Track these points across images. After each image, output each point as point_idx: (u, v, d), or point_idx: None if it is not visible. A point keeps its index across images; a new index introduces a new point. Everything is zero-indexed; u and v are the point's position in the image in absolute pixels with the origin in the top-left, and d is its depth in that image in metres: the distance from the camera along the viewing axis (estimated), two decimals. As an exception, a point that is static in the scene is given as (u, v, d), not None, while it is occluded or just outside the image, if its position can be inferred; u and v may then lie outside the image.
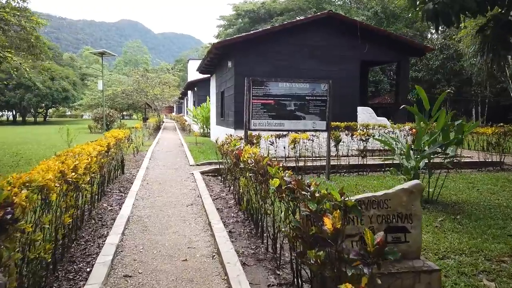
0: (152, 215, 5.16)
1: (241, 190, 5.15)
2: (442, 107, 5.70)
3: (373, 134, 9.25)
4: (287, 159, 9.39)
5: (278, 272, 3.31)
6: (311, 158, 8.98)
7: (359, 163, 8.78)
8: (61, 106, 55.51)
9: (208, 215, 4.96)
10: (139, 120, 38.33)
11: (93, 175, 4.70)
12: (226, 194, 6.53)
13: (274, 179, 2.98)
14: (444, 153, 5.82)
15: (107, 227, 4.64)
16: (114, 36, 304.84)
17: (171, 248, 3.95)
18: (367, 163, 8.82)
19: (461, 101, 29.42)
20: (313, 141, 8.97)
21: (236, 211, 5.42)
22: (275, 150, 9.11)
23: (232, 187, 6.48)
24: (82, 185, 3.91)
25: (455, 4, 3.24)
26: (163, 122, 36.79)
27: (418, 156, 5.72)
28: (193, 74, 24.66)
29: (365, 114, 12.30)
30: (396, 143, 6.52)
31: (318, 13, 12.50)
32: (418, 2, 3.76)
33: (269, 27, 13.65)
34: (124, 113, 48.80)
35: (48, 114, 57.23)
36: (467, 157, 9.96)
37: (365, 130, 10.40)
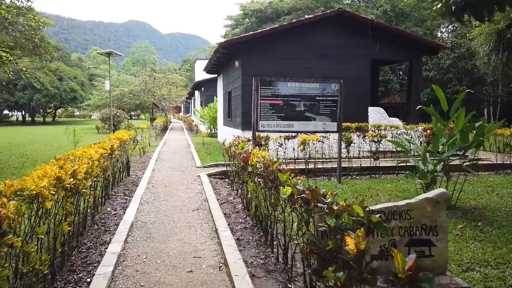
0: (156, 221, 4.96)
1: (249, 195, 4.92)
2: (460, 107, 5.40)
3: (385, 136, 8.95)
4: (296, 161, 9.14)
5: (290, 286, 3.08)
6: (321, 160, 8.70)
7: (371, 165, 8.47)
8: (69, 107, 55.96)
9: (215, 221, 4.74)
10: (146, 121, 38.27)
11: (95, 179, 4.53)
12: (234, 198, 6.31)
13: (285, 187, 2.75)
14: (463, 156, 5.52)
15: (110, 232, 4.45)
16: (122, 36, 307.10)
17: (175, 257, 3.74)
18: (380, 165, 8.51)
19: (473, 100, 28.76)
20: (323, 142, 8.68)
21: (244, 216, 5.19)
22: (284, 152, 8.87)
23: (240, 191, 6.25)
24: (83, 190, 3.73)
25: None
26: (171, 122, 36.72)
27: (436, 159, 5.43)
28: (200, 74, 24.52)
29: (376, 115, 11.97)
30: (410, 145, 6.24)
31: (328, 11, 12.17)
32: None
33: (277, 25, 13.37)
34: (132, 113, 48.88)
35: (57, 114, 57.73)
36: (485, 159, 9.60)
37: (377, 131, 10.10)
